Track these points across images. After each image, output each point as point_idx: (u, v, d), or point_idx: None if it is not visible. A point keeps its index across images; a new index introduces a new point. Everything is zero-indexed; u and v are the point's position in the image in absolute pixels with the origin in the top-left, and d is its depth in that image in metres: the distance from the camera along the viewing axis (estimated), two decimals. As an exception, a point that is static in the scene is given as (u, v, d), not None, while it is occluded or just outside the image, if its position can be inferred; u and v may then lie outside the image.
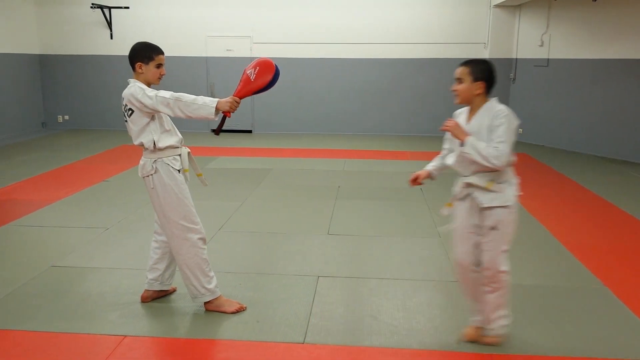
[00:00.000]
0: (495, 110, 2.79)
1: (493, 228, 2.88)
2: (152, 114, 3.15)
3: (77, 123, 11.75)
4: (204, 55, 11.20)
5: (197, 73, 11.21)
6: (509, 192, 2.94)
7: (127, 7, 11.15)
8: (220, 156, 8.68)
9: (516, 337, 3.14)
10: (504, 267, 2.91)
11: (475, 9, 10.64)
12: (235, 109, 3.09)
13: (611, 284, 3.89)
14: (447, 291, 3.78)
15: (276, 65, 3.17)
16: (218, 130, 3.29)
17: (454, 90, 2.94)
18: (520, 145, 10.06)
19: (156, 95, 3.06)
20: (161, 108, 3.07)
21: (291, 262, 4.28)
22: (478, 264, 2.94)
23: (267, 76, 3.13)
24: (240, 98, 3.11)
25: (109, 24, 11.22)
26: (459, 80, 2.89)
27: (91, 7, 10.98)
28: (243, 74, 3.17)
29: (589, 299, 3.67)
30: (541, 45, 9.92)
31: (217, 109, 3.03)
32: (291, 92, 11.08)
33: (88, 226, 5.11)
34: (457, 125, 2.87)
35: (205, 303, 3.40)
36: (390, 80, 11.02)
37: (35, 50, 11.46)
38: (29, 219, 5.32)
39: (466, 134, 2.80)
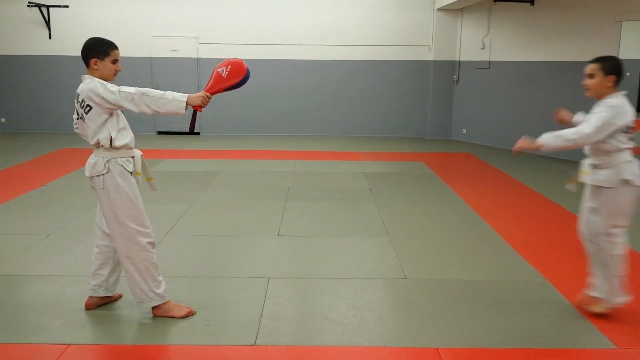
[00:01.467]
0: (606, 101, 3.13)
1: (596, 207, 3.26)
2: (112, 111, 3.06)
3: (15, 126, 11.25)
4: (148, 55, 10.96)
5: (142, 74, 10.94)
6: (613, 174, 3.17)
7: (67, 6, 10.77)
8: (167, 159, 8.51)
9: (461, 330, 3.23)
10: (612, 246, 3.23)
11: (419, 12, 10.87)
12: (206, 105, 3.08)
13: (551, 277, 4.05)
14: (397, 288, 3.84)
15: (247, 68, 3.23)
16: (192, 127, 3.27)
17: (585, 85, 3.24)
18: (464, 145, 10.35)
19: (119, 91, 2.99)
20: (125, 104, 2.99)
21: (241, 265, 4.25)
22: (590, 237, 3.33)
23: (239, 75, 3.19)
24: (211, 94, 3.12)
25: (47, 23, 10.81)
26: (590, 76, 3.20)
27: (28, 6, 10.55)
28: (213, 71, 3.19)
29: (531, 292, 3.81)
30: (482, 48, 10.24)
31: (187, 104, 3.00)
32: (239, 93, 10.92)
33: (28, 232, 4.91)
34: (525, 141, 3.33)
35: (154, 308, 3.33)
36: (337, 82, 11.12)
37: (-32, 49, 10.92)
38: (-37, 227, 5.06)
39: (536, 141, 3.27)
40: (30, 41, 10.96)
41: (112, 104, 3.00)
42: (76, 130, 3.24)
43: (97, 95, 2.99)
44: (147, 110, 3.02)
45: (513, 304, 3.62)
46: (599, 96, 3.22)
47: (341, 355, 2.96)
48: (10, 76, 11.08)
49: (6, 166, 7.76)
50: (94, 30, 10.52)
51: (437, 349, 3.02)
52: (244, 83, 3.23)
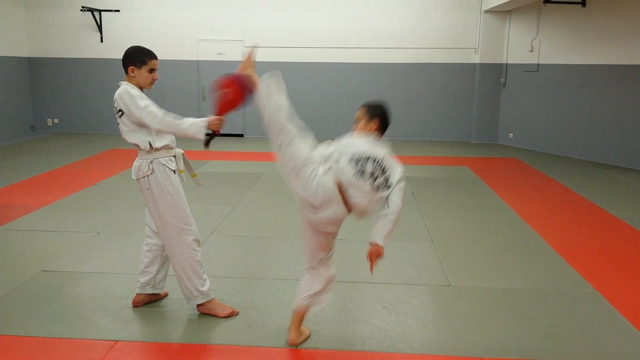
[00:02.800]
0: None
1: None
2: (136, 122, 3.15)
3: (67, 126, 11.68)
4: (195, 59, 11.18)
5: (188, 77, 11.19)
6: None
7: (118, 10, 11.11)
8: (212, 160, 8.65)
9: (507, 341, 3.15)
10: None
11: (465, 14, 10.71)
12: (223, 127, 3.12)
13: (601, 287, 3.91)
14: (440, 295, 3.78)
15: (250, 87, 2.95)
16: (207, 144, 3.23)
17: None
18: (510, 150, 10.13)
19: (146, 106, 3.07)
20: (147, 120, 3.07)
21: (283, 267, 4.27)
22: None
23: (239, 98, 3.00)
24: (222, 116, 3.08)
25: (99, 27, 11.17)
26: None
27: (81, 10, 10.93)
28: (218, 92, 3.03)
29: (580, 303, 3.69)
30: (531, 51, 10.00)
31: (206, 130, 3.06)
32: (282, 96, 11.05)
33: (79, 230, 5.07)
34: (375, 253, 2.75)
35: (198, 306, 3.39)
36: (380, 85, 11.06)
37: (25, 53, 11.39)
38: (18, 224, 5.27)
39: (379, 244, 2.74)
40: (83, 44, 11.35)
41: (135, 117, 3.09)
42: (121, 135, 3.33)
43: (124, 104, 3.09)
44: (165, 130, 3.09)
45: (561, 314, 3.51)
46: None
47: (383, 362, 2.93)
48: (63, 78, 11.50)
49: (59, 165, 8.05)
50: (143, 34, 10.86)
51: (482, 359, 2.95)
52: (249, 101, 3.01)
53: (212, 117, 3.07)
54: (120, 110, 3.14)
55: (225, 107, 3.07)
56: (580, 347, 3.11)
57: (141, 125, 3.12)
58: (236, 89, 3.00)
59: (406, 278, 4.07)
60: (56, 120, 11.69)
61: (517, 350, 3.06)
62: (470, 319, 3.43)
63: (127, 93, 3.10)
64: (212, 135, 3.13)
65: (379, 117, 2.92)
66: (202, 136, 3.07)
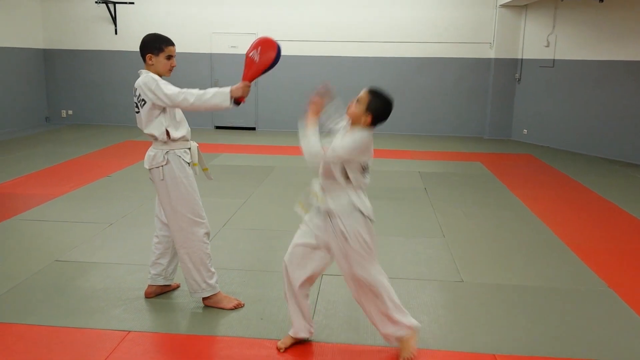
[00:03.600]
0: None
1: None
2: (163, 107, 3.14)
3: (81, 118, 11.76)
4: (208, 52, 11.19)
5: (202, 69, 11.20)
6: None
7: (132, 3, 11.14)
8: (224, 153, 8.67)
9: (520, 338, 3.13)
10: None
11: (481, 8, 10.61)
12: (248, 94, 3.08)
13: (616, 286, 3.87)
14: (452, 291, 3.76)
15: (277, 42, 3.09)
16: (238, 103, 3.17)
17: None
18: (524, 146, 10.04)
19: (168, 88, 3.05)
20: (178, 102, 3.05)
21: (295, 260, 4.26)
22: None
23: (270, 53, 3.06)
24: (250, 81, 3.08)
25: (114, 20, 11.22)
26: None
27: (96, 2, 10.98)
28: (246, 57, 3.10)
29: (594, 302, 3.65)
30: (547, 46, 9.89)
31: (231, 96, 3.02)
32: (295, 89, 11.07)
33: (92, 221, 5.11)
34: None
35: (204, 299, 3.41)
36: (394, 79, 10.99)
37: (40, 44, 11.47)
38: (32, 214, 5.32)
39: None
40: (98, 37, 11.41)
41: (163, 101, 3.06)
42: (138, 125, 3.33)
43: (150, 90, 3.06)
44: (191, 108, 3.05)
45: (574, 313, 3.48)
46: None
47: (394, 356, 2.92)
48: (78, 70, 11.57)
49: (72, 157, 8.11)
50: (157, 27, 10.86)
51: (494, 355, 2.93)
52: (278, 60, 3.07)
53: (236, 85, 3.04)
54: (142, 99, 3.12)
55: (251, 69, 3.06)
56: (593, 346, 3.07)
57: (172, 106, 3.09)
58: (265, 48, 3.02)
59: (418, 273, 4.05)
60: (70, 112, 11.77)
61: (528, 348, 3.03)
62: (482, 315, 3.41)
63: (152, 79, 3.08)
64: (237, 103, 3.09)
65: (376, 114, 2.71)
66: (227, 104, 3.03)
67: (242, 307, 3.43)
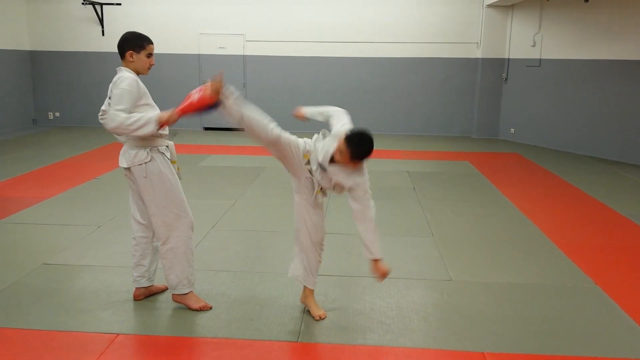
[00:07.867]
0: None
1: None
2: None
3: (68, 120, 11.67)
4: (196, 52, 11.15)
5: (190, 71, 11.15)
6: None
7: (119, 4, 11.07)
8: (213, 154, 8.65)
9: (508, 335, 3.16)
10: None
11: (468, 8, 10.67)
12: (172, 123, 3.07)
13: (602, 282, 3.91)
14: (442, 290, 3.78)
15: (219, 101, 3.04)
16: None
17: None
18: (512, 145, 10.11)
19: (117, 111, 3.01)
20: (106, 120, 3.03)
21: (284, 261, 4.26)
22: None
23: (208, 100, 2.99)
24: (179, 114, 3.04)
25: (101, 21, 11.14)
26: None
27: (82, 4, 10.88)
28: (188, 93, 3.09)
29: (581, 298, 3.69)
30: (533, 46, 9.97)
31: (156, 121, 3.02)
32: (283, 90, 11.07)
33: (80, 224, 5.08)
34: (381, 270, 3.16)
35: (174, 295, 3.40)
36: (382, 79, 11.04)
37: (26, 46, 11.36)
38: (20, 217, 5.28)
39: (377, 256, 3.22)
40: (85, 38, 11.32)
41: (107, 104, 3.12)
42: (101, 121, 3.22)
43: (117, 88, 3.08)
44: (118, 128, 3.02)
45: (562, 309, 3.51)
46: None
47: (384, 356, 2.94)
48: (65, 72, 11.48)
49: (60, 159, 8.05)
50: (145, 27, 10.76)
51: (484, 354, 2.96)
52: (212, 109, 3.05)
53: (166, 112, 3.04)
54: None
55: (184, 103, 3.04)
56: (581, 342, 3.11)
57: (106, 118, 3.07)
58: (204, 95, 2.98)
59: (407, 272, 4.07)
60: (57, 114, 11.68)
61: (517, 345, 3.06)
62: (471, 313, 3.43)
63: (128, 85, 3.05)
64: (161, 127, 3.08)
65: (360, 157, 3.02)
66: (151, 129, 3.00)
67: (209, 309, 3.41)
